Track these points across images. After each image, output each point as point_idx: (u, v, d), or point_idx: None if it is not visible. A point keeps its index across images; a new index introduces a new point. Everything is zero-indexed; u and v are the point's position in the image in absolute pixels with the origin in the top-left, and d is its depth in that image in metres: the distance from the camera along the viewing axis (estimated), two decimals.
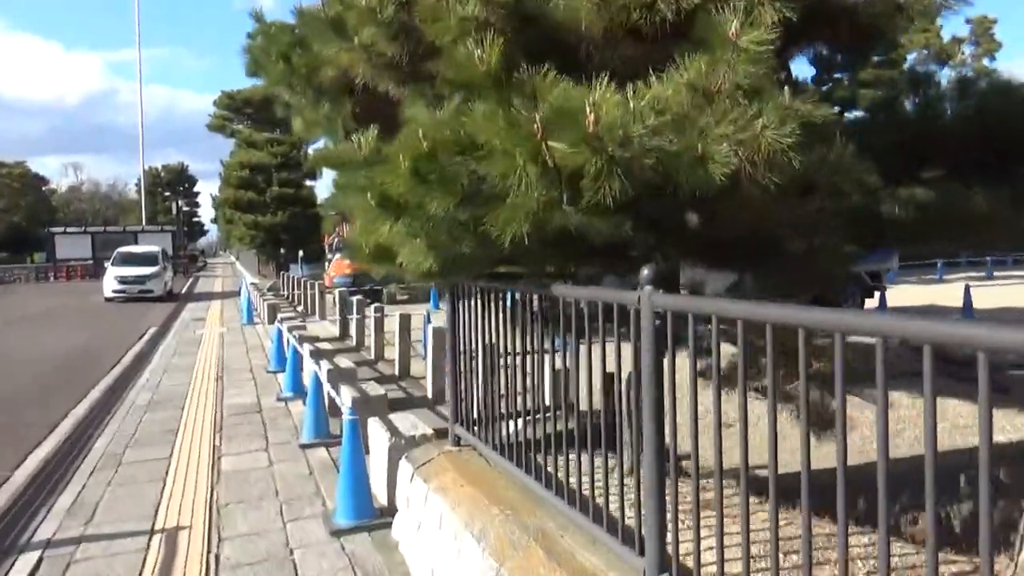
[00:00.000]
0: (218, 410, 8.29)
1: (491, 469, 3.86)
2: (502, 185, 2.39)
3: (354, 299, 14.33)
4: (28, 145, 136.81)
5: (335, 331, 15.26)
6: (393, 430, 5.08)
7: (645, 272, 2.24)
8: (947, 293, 20.57)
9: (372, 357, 11.92)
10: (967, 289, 15.76)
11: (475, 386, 4.08)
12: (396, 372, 10.49)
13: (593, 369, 2.94)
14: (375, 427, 5.34)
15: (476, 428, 4.11)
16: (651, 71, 2.68)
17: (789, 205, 2.77)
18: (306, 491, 5.46)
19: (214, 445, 6.77)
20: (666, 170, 2.33)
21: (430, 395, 8.73)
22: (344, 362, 8.17)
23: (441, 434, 5.10)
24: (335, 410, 6.96)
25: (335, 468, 5.97)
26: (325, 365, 7.27)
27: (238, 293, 26.02)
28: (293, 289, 24.47)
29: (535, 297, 3.54)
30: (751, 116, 2.44)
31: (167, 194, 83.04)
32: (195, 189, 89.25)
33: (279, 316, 13.07)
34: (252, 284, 23.19)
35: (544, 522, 3.19)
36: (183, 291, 31.22)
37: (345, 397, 6.00)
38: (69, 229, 46.55)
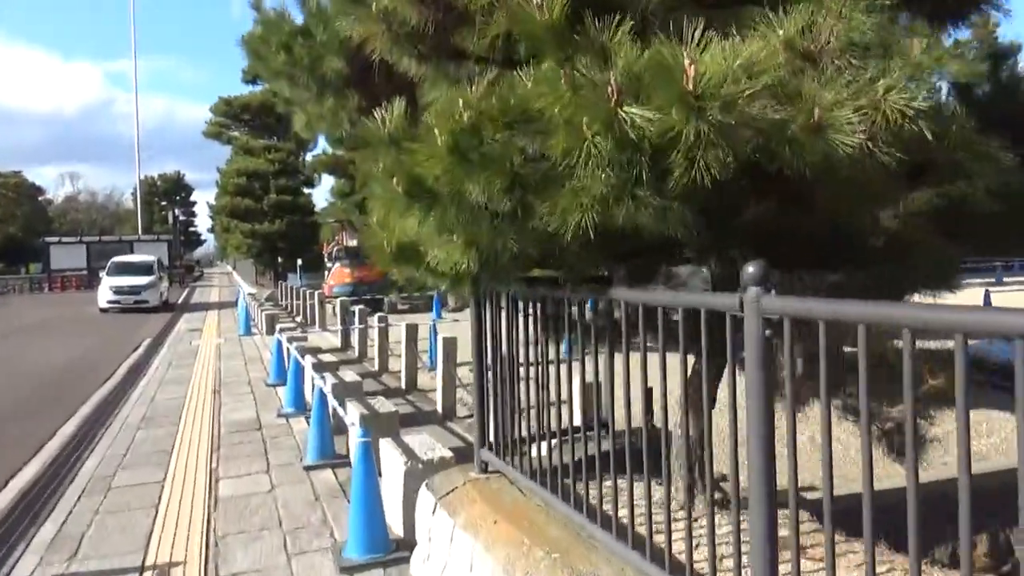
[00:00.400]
0: (215, 427, 7.79)
1: (527, 501, 3.38)
2: (564, 165, 1.93)
3: (356, 309, 13.86)
4: (25, 155, 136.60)
5: (336, 342, 14.78)
6: (409, 453, 4.60)
7: (751, 270, 1.77)
8: (959, 299, 20.07)
9: (376, 369, 11.45)
10: (987, 295, 15.32)
11: (507, 405, 3.60)
12: (403, 385, 10.01)
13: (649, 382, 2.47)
14: (388, 449, 4.86)
15: (507, 453, 3.63)
16: (735, 32, 2.22)
17: (899, 188, 2.31)
18: (312, 520, 4.96)
19: (211, 467, 6.27)
20: (768, 143, 1.87)
21: (440, 409, 8.26)
22: (349, 375, 7.67)
23: (462, 456, 4.63)
24: (340, 427, 6.47)
25: (343, 493, 5.48)
26: (330, 380, 6.78)
27: (235, 304, 25.54)
28: (292, 299, 23.99)
29: (575, 303, 3.08)
30: (869, 78, 1.98)
31: (163, 203, 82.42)
32: (192, 198, 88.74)
33: (278, 327, 12.56)
34: (249, 294, 22.70)
35: (599, 568, 2.71)
36: (179, 302, 30.68)
37: (352, 415, 5.51)
38: (64, 239, 46.04)
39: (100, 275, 27.11)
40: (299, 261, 30.57)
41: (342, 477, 5.86)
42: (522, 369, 3.49)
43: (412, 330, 10.07)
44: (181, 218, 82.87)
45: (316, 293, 19.41)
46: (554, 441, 3.30)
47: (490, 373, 3.73)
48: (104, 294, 24.79)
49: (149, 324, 20.28)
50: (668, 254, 3.23)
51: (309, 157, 38.92)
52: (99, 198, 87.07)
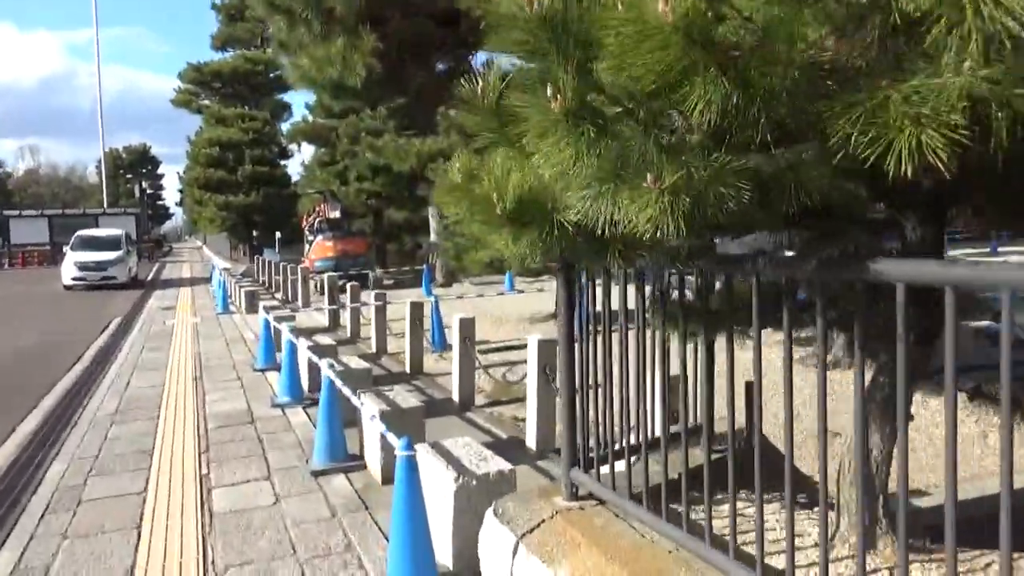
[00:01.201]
0: (201, 420, 6.84)
1: (653, 545, 2.53)
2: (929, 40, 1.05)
3: (348, 285, 12.87)
4: None
5: (323, 321, 13.82)
6: (456, 464, 3.74)
7: None
8: None
9: (373, 351, 10.53)
10: None
11: (618, 412, 2.74)
12: (407, 369, 9.11)
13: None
14: (425, 457, 3.99)
15: (610, 475, 2.78)
16: None
17: None
18: (333, 545, 4.07)
19: (200, 473, 5.34)
20: None
21: (457, 399, 7.39)
22: (354, 361, 6.77)
23: (523, 463, 3.80)
24: (345, 419, 5.55)
25: (364, 506, 4.61)
26: (338, 367, 5.87)
27: (208, 279, 24.34)
28: (271, 274, 22.84)
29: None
30: None
31: (129, 176, 79.70)
32: (159, 171, 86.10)
33: (262, 305, 11.56)
34: (224, 269, 21.49)
35: None
36: (149, 278, 29.30)
37: (373, 418, 4.62)
38: (24, 212, 43.98)
39: (64, 250, 25.64)
40: (278, 234, 29.24)
41: (359, 484, 4.99)
42: (636, 365, 2.63)
43: (417, 309, 9.14)
44: (148, 192, 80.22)
45: (299, 268, 18.33)
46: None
47: (587, 372, 2.85)
48: (68, 270, 23.41)
49: (117, 302, 19.07)
50: (843, 217, 2.36)
51: (285, 127, 37.43)
52: (61, 172, 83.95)
